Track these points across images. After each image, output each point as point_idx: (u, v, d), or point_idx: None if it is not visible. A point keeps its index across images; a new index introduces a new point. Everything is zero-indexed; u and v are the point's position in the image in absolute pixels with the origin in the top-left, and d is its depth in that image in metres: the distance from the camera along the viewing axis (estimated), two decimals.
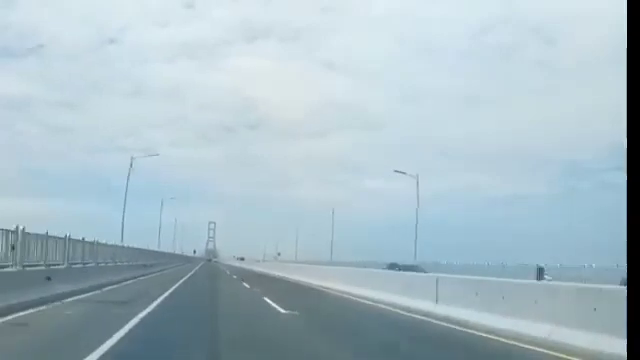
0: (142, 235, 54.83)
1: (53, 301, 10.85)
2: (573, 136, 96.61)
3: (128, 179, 39.71)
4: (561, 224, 76.70)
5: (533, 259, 31.63)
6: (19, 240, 10.58)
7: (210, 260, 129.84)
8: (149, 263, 34.68)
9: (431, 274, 16.82)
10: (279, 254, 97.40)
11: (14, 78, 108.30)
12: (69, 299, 11.81)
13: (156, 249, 52.48)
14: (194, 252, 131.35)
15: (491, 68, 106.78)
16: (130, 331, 7.68)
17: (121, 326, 7.84)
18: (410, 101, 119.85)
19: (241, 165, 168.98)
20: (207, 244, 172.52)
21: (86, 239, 17.15)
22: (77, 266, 15.66)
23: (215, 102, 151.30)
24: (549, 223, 77.12)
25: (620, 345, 5.50)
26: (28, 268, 11.23)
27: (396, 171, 42.50)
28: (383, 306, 13.66)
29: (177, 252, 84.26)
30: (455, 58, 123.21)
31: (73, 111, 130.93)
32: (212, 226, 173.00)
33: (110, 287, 16.67)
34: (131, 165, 39.73)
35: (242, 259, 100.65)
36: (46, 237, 12.86)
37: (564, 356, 6.74)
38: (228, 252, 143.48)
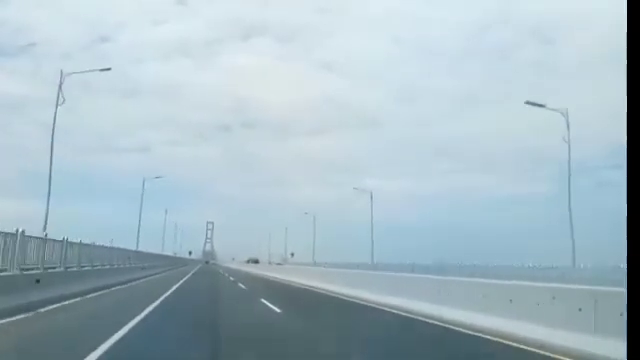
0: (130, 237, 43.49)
1: None
2: (573, 135, 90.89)
3: (56, 109, 21.84)
4: (561, 223, 71.11)
5: (533, 259, 29.75)
6: None
7: (208, 262, 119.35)
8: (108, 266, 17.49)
9: None
10: (292, 255, 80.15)
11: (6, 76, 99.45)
12: None
13: (137, 249, 35.22)
14: (190, 253, 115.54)
15: (490, 68, 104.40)
16: None
17: None
18: (408, 101, 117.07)
19: (239, 164, 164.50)
20: (205, 245, 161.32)
21: None
22: None
23: (211, 101, 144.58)
24: (549, 222, 72.88)
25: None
26: None
27: (528, 103, 26.32)
28: None
29: (166, 253, 66.07)
30: (453, 58, 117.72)
31: (68, 111, 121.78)
32: (210, 226, 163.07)
33: None
34: (60, 87, 21.91)
35: (256, 262, 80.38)
36: None
37: None
38: (227, 254, 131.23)
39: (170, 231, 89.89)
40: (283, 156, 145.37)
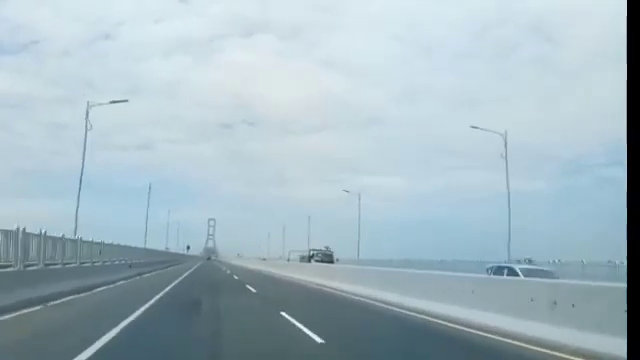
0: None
1: None
2: (573, 133, 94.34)
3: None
4: (562, 221, 72.34)
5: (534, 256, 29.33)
6: None
7: (210, 258, 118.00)
8: None
9: None
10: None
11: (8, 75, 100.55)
12: None
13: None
14: (188, 248, 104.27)
15: (490, 66, 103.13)
16: None
17: None
18: (409, 99, 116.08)
19: (240, 162, 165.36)
20: (207, 242, 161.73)
21: None
22: None
23: (212, 98, 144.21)
24: (550, 220, 74.09)
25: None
26: None
27: None
28: None
29: (158, 249, 52.54)
30: (455, 56, 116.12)
31: (69, 108, 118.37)
32: (212, 223, 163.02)
33: None
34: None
35: (330, 260, 44.24)
36: None
37: None
38: (229, 250, 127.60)
39: (162, 222, 77.76)
40: (284, 153, 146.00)
